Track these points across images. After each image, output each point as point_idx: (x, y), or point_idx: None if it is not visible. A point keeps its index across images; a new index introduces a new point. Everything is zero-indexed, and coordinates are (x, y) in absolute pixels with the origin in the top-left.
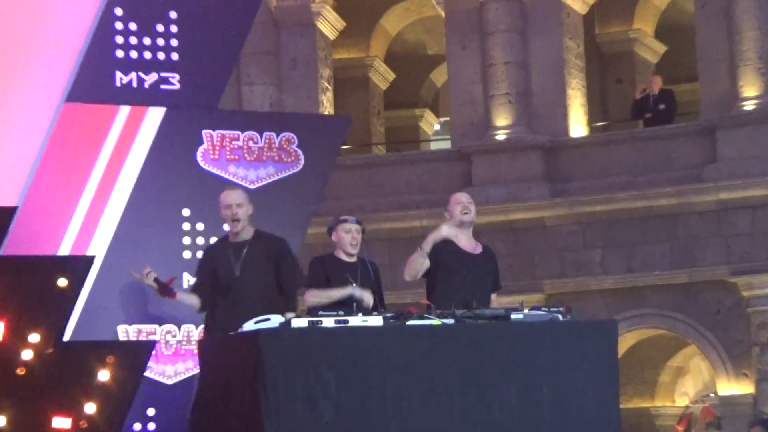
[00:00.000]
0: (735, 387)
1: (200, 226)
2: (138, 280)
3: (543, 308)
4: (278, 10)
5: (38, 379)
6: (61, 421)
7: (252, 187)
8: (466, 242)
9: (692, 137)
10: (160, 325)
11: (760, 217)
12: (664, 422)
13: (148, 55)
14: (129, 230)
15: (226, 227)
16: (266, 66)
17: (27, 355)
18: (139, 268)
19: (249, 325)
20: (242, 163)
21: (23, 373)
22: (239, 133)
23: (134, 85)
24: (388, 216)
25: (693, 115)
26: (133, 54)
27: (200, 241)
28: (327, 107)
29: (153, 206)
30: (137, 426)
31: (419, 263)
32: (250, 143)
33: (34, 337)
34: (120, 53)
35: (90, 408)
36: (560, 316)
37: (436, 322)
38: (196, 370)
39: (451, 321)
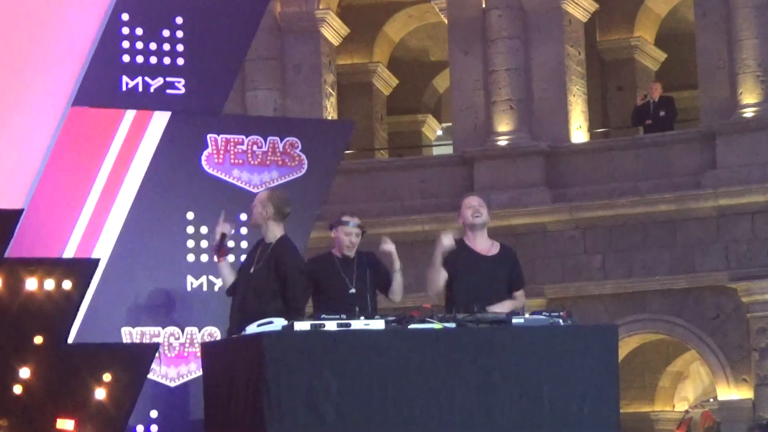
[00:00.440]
0: (734, 392)
1: (204, 230)
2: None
3: (544, 313)
4: (283, 16)
5: (42, 380)
6: (64, 423)
7: (256, 191)
8: (481, 244)
9: (692, 144)
10: (163, 328)
11: (760, 223)
12: (663, 427)
13: (153, 59)
14: (134, 233)
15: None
16: (271, 71)
17: (31, 356)
18: (143, 271)
19: (252, 328)
20: (246, 167)
21: (27, 375)
22: (243, 137)
23: (140, 89)
24: (391, 220)
25: (693, 122)
26: (139, 59)
27: (204, 244)
28: (330, 112)
29: (157, 209)
30: (140, 428)
31: (435, 278)
32: (255, 148)
33: (39, 339)
34: (126, 58)
35: (93, 410)
36: (561, 321)
37: (437, 326)
38: (200, 373)
39: (452, 325)
